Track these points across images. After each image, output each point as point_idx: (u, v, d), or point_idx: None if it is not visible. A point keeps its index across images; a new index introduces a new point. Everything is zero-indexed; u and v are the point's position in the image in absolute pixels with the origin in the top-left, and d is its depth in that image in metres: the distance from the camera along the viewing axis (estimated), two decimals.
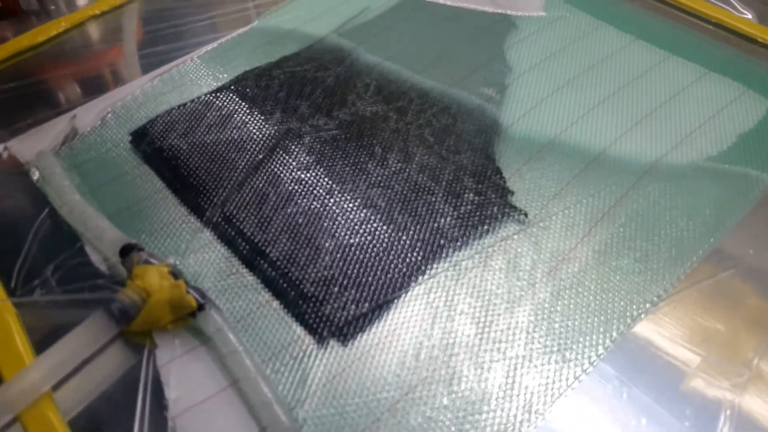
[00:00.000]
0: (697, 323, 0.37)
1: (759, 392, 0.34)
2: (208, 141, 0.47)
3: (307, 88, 0.51)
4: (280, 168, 0.45)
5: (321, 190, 0.43)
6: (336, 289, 0.38)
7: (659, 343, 0.36)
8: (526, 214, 0.41)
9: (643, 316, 0.37)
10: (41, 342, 0.36)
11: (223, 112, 0.49)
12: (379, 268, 0.39)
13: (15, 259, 0.41)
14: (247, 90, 0.51)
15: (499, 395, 0.33)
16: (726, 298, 0.38)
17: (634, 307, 0.37)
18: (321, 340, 0.36)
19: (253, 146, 0.46)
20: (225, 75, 0.53)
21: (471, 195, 0.42)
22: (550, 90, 0.50)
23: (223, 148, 0.46)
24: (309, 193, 0.43)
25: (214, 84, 0.52)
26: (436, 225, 0.41)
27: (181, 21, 0.61)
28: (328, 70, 0.52)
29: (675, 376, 0.35)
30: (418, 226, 0.41)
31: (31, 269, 0.40)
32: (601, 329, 0.36)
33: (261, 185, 0.44)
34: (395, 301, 0.38)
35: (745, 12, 0.57)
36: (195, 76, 0.53)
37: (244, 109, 0.49)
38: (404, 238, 0.40)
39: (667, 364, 0.35)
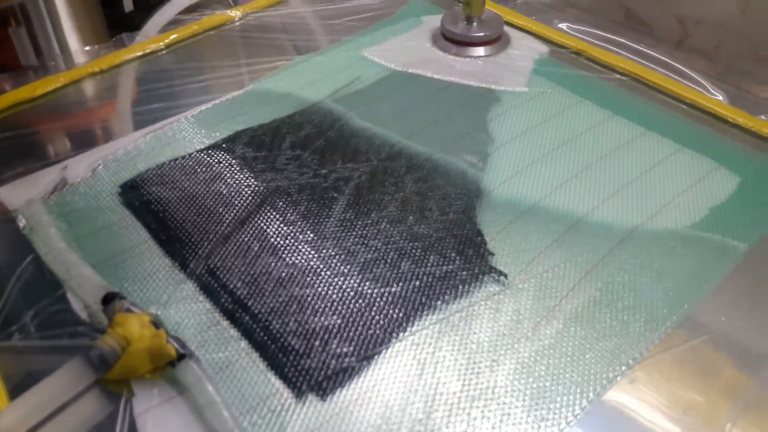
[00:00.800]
0: (672, 389, 0.37)
1: None
2: (197, 195, 0.48)
3: (297, 149, 0.52)
4: (266, 223, 0.45)
5: (305, 246, 0.44)
6: (317, 342, 0.38)
7: (635, 408, 0.36)
8: (506, 276, 0.42)
9: (618, 378, 0.37)
10: (17, 387, 0.36)
11: (213, 169, 0.50)
12: (361, 323, 0.39)
13: None
14: (238, 148, 0.52)
15: None
16: (700, 365, 0.38)
17: (610, 369, 0.37)
18: (300, 394, 0.36)
19: (240, 202, 0.47)
20: (217, 134, 0.54)
21: (453, 255, 0.43)
22: (531, 159, 0.52)
23: (211, 203, 0.47)
24: (293, 248, 0.44)
25: (206, 142, 0.53)
26: (418, 283, 0.41)
27: (175, 82, 0.63)
28: (318, 131, 0.54)
29: None
30: (400, 284, 0.41)
31: (10, 314, 0.40)
32: (578, 390, 0.36)
33: (246, 239, 0.44)
34: (376, 356, 0.38)
35: (717, 94, 0.61)
36: (187, 134, 0.55)
37: (234, 166, 0.50)
38: (386, 294, 0.41)
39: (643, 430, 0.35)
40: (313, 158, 0.51)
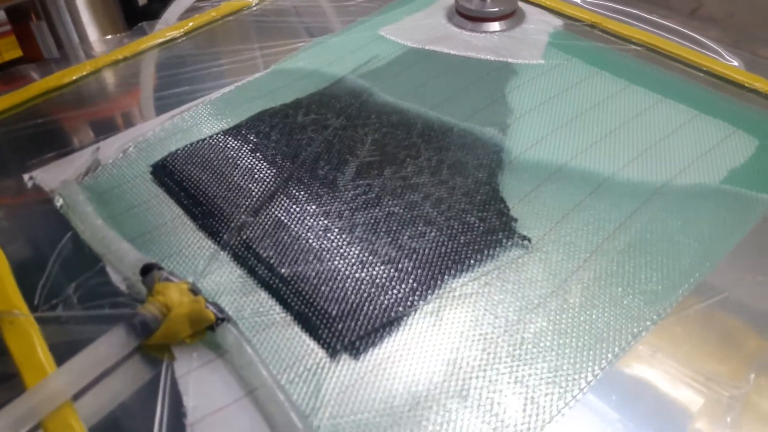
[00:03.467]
0: (691, 351, 0.38)
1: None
2: (226, 171, 0.49)
3: (321, 124, 0.53)
4: (294, 196, 0.47)
5: (333, 214, 0.45)
6: (348, 306, 0.39)
7: (655, 372, 0.37)
8: (529, 240, 0.43)
9: (644, 334, 0.38)
10: (62, 355, 0.37)
11: (240, 146, 0.51)
12: (389, 287, 0.40)
13: (39, 278, 0.42)
14: (263, 126, 0.53)
15: (504, 408, 0.34)
16: (719, 324, 0.39)
17: (635, 324, 0.38)
18: (334, 354, 0.37)
19: (269, 176, 0.49)
20: (241, 114, 0.56)
21: (476, 221, 0.44)
22: (551, 129, 0.53)
23: (240, 178, 0.48)
24: (321, 218, 0.45)
25: (231, 122, 0.55)
26: (444, 248, 0.43)
27: (197, 67, 0.64)
28: (341, 107, 0.55)
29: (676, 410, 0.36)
30: (427, 250, 0.42)
31: (53, 288, 0.42)
32: (604, 345, 0.37)
33: (276, 211, 0.46)
34: (405, 318, 0.39)
35: (732, 60, 0.61)
36: (212, 115, 0.56)
37: (260, 143, 0.52)
38: (413, 259, 0.42)
39: (664, 395, 0.36)
40: (337, 132, 0.53)
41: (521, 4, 0.69)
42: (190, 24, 0.69)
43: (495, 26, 0.66)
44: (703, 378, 0.36)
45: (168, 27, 0.69)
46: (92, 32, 0.93)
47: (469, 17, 0.67)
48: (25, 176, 0.51)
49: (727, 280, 0.41)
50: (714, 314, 0.40)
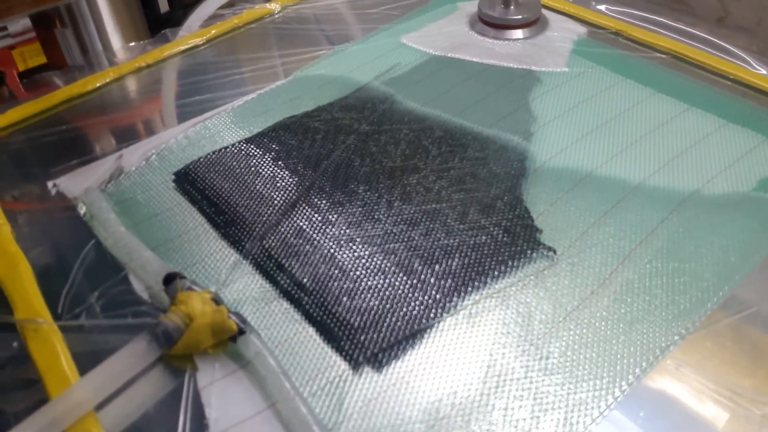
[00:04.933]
0: (719, 363, 0.37)
1: None
2: (249, 180, 0.49)
3: (343, 132, 0.53)
4: (316, 204, 0.47)
5: (355, 224, 0.45)
6: (371, 317, 0.39)
7: (682, 387, 0.36)
8: (554, 251, 0.43)
9: (672, 348, 0.37)
10: (85, 364, 0.37)
11: (262, 155, 0.51)
12: (412, 299, 0.40)
13: (62, 286, 0.42)
14: (285, 135, 0.53)
15: (530, 425, 0.34)
16: (744, 339, 0.38)
17: (663, 338, 0.37)
18: (356, 366, 0.37)
19: (291, 185, 0.48)
20: (263, 123, 0.56)
21: (501, 232, 0.44)
22: (575, 137, 0.52)
23: (262, 187, 0.48)
24: (344, 227, 0.45)
25: (253, 130, 0.55)
26: (467, 259, 0.42)
27: (220, 74, 0.64)
28: (362, 114, 0.55)
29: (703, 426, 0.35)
30: (449, 260, 0.42)
31: (76, 296, 0.42)
32: (632, 360, 0.36)
33: (298, 221, 0.45)
34: (428, 330, 0.39)
35: (760, 68, 0.60)
36: (234, 123, 0.56)
37: (282, 151, 0.52)
38: (437, 270, 0.41)
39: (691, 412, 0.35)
40: (359, 140, 0.52)
41: (545, 12, 0.68)
42: (213, 31, 0.70)
43: (518, 34, 0.66)
44: (729, 393, 0.36)
45: (191, 34, 0.69)
46: (116, 40, 0.94)
47: (492, 25, 0.66)
48: (49, 183, 0.51)
49: (757, 293, 0.41)
50: (743, 328, 0.39)
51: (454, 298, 0.40)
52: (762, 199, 0.46)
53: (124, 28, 0.96)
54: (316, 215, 0.46)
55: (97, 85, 0.63)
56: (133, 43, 0.70)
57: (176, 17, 0.99)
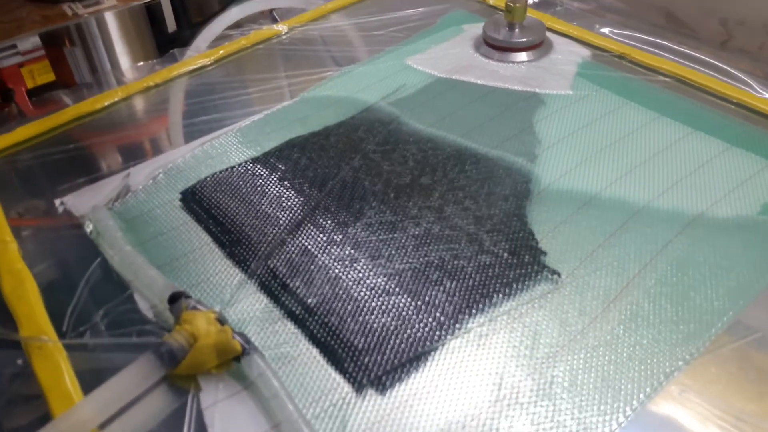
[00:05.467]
0: (723, 388, 0.37)
1: None
2: (254, 200, 0.49)
3: (349, 153, 0.54)
4: (321, 224, 0.47)
5: (360, 244, 0.45)
6: (374, 339, 0.39)
7: (687, 413, 0.36)
8: (559, 274, 0.43)
9: (676, 373, 0.37)
10: (89, 382, 0.37)
11: (268, 175, 0.52)
12: (416, 321, 0.40)
13: (67, 304, 0.43)
14: (292, 155, 0.54)
15: None
16: (749, 365, 0.38)
17: (667, 364, 0.37)
18: (360, 389, 0.37)
19: (296, 205, 0.49)
20: (270, 143, 0.56)
21: (505, 254, 0.44)
22: (579, 160, 0.53)
23: (268, 207, 0.49)
24: (348, 248, 0.45)
25: (260, 150, 0.55)
26: (472, 282, 0.42)
27: (227, 94, 0.65)
28: (368, 135, 0.56)
29: None
30: (453, 283, 0.42)
31: (81, 314, 0.42)
32: (634, 385, 0.36)
33: (303, 241, 0.46)
34: (432, 353, 0.39)
35: (764, 92, 0.60)
36: (241, 143, 0.57)
37: (288, 171, 0.52)
38: (441, 292, 0.41)
39: None
40: (365, 161, 0.53)
41: (549, 35, 0.69)
42: (221, 52, 0.70)
43: (522, 56, 0.66)
44: (734, 418, 0.35)
45: (199, 54, 0.70)
46: (124, 59, 0.95)
47: (496, 47, 0.67)
48: (57, 201, 0.52)
49: (762, 318, 0.40)
50: (748, 353, 0.39)
51: (459, 321, 0.40)
52: (764, 224, 0.46)
53: (132, 48, 0.97)
54: (321, 235, 0.46)
55: (106, 103, 0.64)
56: (141, 63, 0.71)
57: (183, 37, 1.00)
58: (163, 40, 1.02)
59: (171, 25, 1.04)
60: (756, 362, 0.38)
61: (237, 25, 0.81)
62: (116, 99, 0.64)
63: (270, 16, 0.83)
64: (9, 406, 0.38)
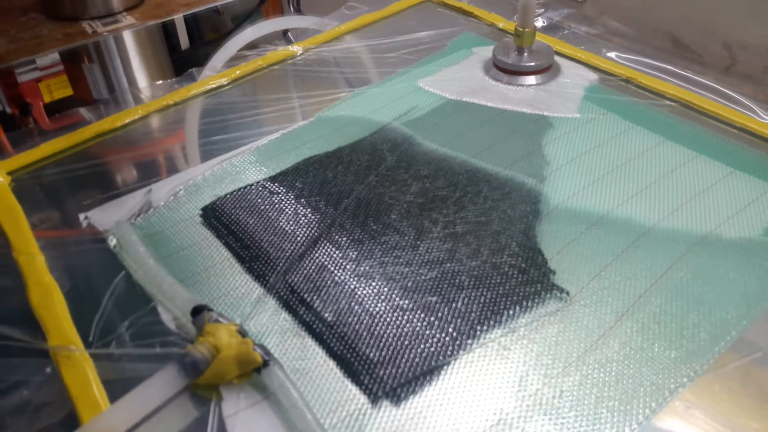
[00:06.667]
0: (727, 405, 0.38)
1: None
2: (271, 217, 0.51)
3: (363, 171, 0.55)
4: (337, 240, 0.48)
5: (375, 261, 0.47)
6: (389, 352, 0.40)
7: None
8: (567, 293, 0.44)
9: (681, 390, 0.38)
10: (114, 390, 0.39)
11: (285, 193, 0.54)
12: (430, 335, 0.41)
13: (93, 315, 0.44)
14: (308, 173, 0.56)
15: None
16: (753, 382, 0.39)
17: (672, 380, 0.39)
18: (375, 400, 0.38)
19: (313, 222, 0.50)
20: (287, 162, 0.58)
21: (515, 272, 0.45)
22: (587, 182, 0.54)
23: (286, 224, 0.50)
24: (364, 265, 0.46)
25: (277, 169, 0.57)
26: (483, 299, 0.44)
27: (245, 114, 0.67)
28: (380, 155, 0.57)
29: None
30: (466, 299, 0.44)
31: (106, 326, 0.44)
32: (640, 401, 0.38)
33: (320, 257, 0.47)
34: (445, 366, 0.40)
35: (766, 117, 0.62)
36: (259, 161, 0.59)
37: (305, 189, 0.54)
38: (454, 308, 0.43)
39: None
40: (379, 179, 0.54)
41: (557, 58, 0.71)
42: (238, 72, 0.73)
43: (531, 80, 0.68)
44: None
45: (216, 74, 0.72)
46: (141, 76, 0.97)
47: (506, 71, 0.69)
48: (81, 216, 0.53)
49: (766, 337, 0.42)
50: (752, 371, 0.40)
51: (471, 336, 0.42)
52: (762, 255, 0.47)
53: (148, 65, 0.99)
54: (337, 252, 0.48)
55: (126, 121, 0.66)
56: (160, 81, 0.73)
57: (197, 55, 1.03)
58: (176, 57, 1.05)
59: (184, 42, 1.06)
60: (759, 380, 0.40)
61: (253, 45, 0.84)
62: (136, 117, 0.66)
63: (285, 37, 0.85)
64: (37, 412, 0.40)
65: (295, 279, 0.46)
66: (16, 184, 0.58)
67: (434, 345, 0.41)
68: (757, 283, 0.45)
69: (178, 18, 1.00)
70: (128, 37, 0.95)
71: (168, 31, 1.02)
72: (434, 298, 0.44)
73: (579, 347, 0.41)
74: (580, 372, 0.39)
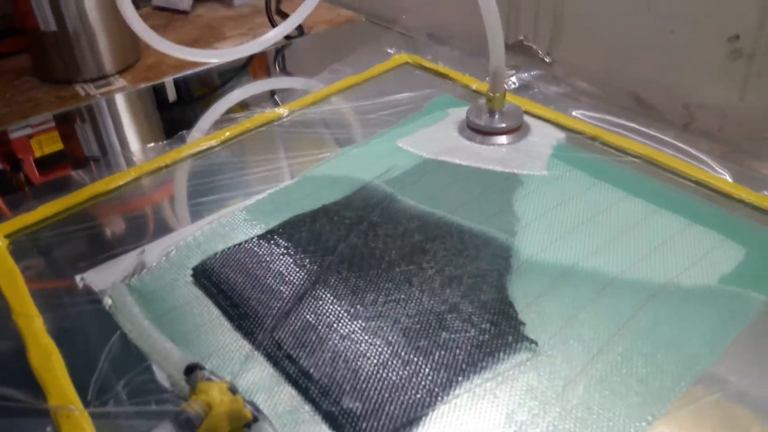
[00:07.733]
0: None
1: None
2: (259, 275, 0.54)
3: (345, 229, 0.59)
4: (322, 297, 0.52)
5: (356, 317, 0.50)
6: (371, 405, 0.43)
7: None
8: (536, 343, 0.47)
9: (645, 427, 0.41)
10: None
11: (272, 252, 0.57)
12: (410, 388, 0.44)
13: (91, 374, 0.47)
14: (294, 232, 0.59)
15: None
16: (716, 420, 0.43)
17: (633, 424, 0.42)
18: None
19: (297, 280, 0.53)
20: (273, 220, 0.61)
21: (488, 325, 0.49)
22: (555, 237, 0.58)
23: (272, 282, 0.53)
24: (345, 320, 0.49)
25: (264, 228, 0.60)
26: (458, 351, 0.47)
27: (233, 174, 0.70)
28: (366, 212, 0.61)
29: None
30: (442, 352, 0.47)
31: (104, 384, 0.46)
32: None
33: (304, 314, 0.50)
34: (424, 418, 0.43)
35: (722, 172, 0.66)
36: (247, 221, 0.62)
37: (290, 248, 0.57)
38: (431, 362, 0.46)
39: None
40: (361, 236, 0.58)
41: (527, 118, 0.76)
42: (227, 134, 0.76)
43: (502, 139, 0.72)
44: None
45: (206, 136, 0.76)
46: (132, 137, 1.01)
47: (478, 131, 0.73)
48: (77, 277, 0.56)
49: (735, 371, 0.45)
50: (723, 405, 0.43)
51: (447, 389, 0.44)
52: (723, 292, 0.51)
53: (139, 126, 1.03)
54: (320, 308, 0.51)
55: (120, 183, 0.69)
56: (152, 144, 0.76)
57: (185, 110, 1.06)
58: (165, 112, 1.08)
59: (171, 94, 1.10)
60: (730, 411, 0.43)
61: (242, 104, 0.88)
62: (129, 179, 0.70)
63: (271, 99, 0.89)
64: None
65: (282, 335, 0.48)
66: (13, 246, 0.61)
67: (413, 397, 0.44)
68: (714, 329, 0.48)
69: (168, 80, 1.04)
70: (120, 99, 0.99)
71: (157, 88, 1.06)
72: (413, 353, 0.47)
73: (547, 394, 0.44)
74: (548, 419, 0.42)
